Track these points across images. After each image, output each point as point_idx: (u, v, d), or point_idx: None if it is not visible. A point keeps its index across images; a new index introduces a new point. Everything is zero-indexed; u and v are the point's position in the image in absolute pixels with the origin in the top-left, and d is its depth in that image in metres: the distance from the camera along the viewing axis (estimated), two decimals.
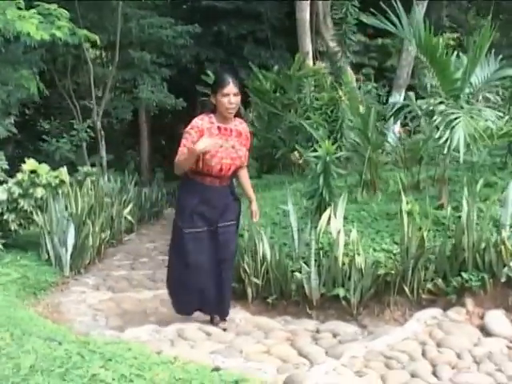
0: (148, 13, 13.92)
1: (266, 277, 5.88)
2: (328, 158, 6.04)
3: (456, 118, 5.31)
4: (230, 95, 4.63)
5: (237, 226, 5.10)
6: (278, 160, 10.70)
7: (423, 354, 4.21)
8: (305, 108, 9.51)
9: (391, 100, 11.03)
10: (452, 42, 12.11)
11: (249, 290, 5.92)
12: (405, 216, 5.12)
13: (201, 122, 4.71)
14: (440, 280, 4.99)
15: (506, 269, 4.78)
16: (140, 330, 5.09)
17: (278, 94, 10.79)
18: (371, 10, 6.04)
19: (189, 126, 4.70)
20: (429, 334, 4.49)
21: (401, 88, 11.36)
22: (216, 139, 4.67)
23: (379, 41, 17.49)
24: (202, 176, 4.77)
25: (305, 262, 5.56)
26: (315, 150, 6.80)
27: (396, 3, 5.79)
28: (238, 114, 4.86)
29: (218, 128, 4.73)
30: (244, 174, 5.12)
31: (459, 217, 5.57)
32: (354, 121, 7.66)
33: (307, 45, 13.09)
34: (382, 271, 5.20)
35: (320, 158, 6.17)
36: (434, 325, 4.63)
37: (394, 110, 6.71)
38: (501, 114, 5.93)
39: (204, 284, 4.94)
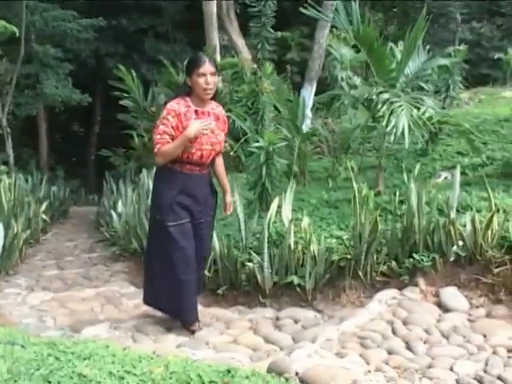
0: (50, 6, 13.50)
1: (214, 268, 5.91)
2: (271, 148, 6.15)
3: (400, 106, 5.54)
4: (207, 75, 4.37)
5: (213, 219, 4.95)
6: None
7: (393, 332, 4.41)
8: (224, 101, 9.57)
9: (303, 92, 11.29)
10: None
11: None
12: (358, 202, 5.29)
13: (177, 105, 4.41)
14: (394, 262, 5.21)
15: (454, 248, 5.06)
16: (96, 328, 5.03)
17: None
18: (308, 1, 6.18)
19: (164, 112, 4.42)
20: (392, 314, 4.70)
21: (312, 80, 11.66)
22: (207, 121, 4.44)
23: (278, 34, 17.76)
24: (180, 164, 4.48)
25: (255, 252, 5.64)
26: (246, 141, 6.93)
27: None
28: (213, 97, 4.60)
29: (195, 112, 4.46)
30: (220, 162, 4.90)
31: (401, 201, 5.87)
32: (282, 112, 7.82)
33: (214, 38, 13.19)
34: (335, 257, 5.36)
35: (262, 148, 6.26)
36: (394, 304, 4.85)
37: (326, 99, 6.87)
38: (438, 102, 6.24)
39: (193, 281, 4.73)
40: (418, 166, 6.18)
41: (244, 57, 13.19)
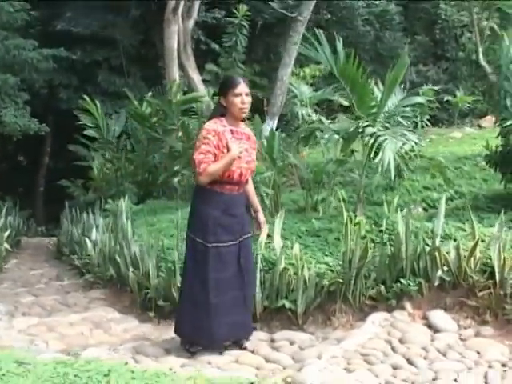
0: (10, 34, 13.55)
1: None
2: (258, 179, 6.43)
3: (385, 140, 5.93)
4: (243, 94, 4.58)
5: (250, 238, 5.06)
6: (158, 185, 10.91)
7: (393, 349, 4.72)
8: (195, 132, 9.85)
9: (265, 126, 11.65)
10: (317, 73, 13.06)
11: None
12: (349, 228, 5.61)
13: (215, 125, 4.61)
14: (382, 286, 5.53)
15: (439, 272, 5.42)
16: (96, 350, 5.13)
17: (155, 119, 11.03)
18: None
19: (204, 132, 4.61)
20: (388, 334, 5.00)
21: (274, 115, 12.07)
22: (240, 143, 4.66)
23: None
24: (220, 184, 4.63)
25: None
26: None
27: (320, 36, 6.38)
28: (242, 119, 4.81)
29: (231, 131, 4.65)
30: (250, 182, 5.04)
31: (381, 231, 6.23)
32: (258, 146, 8.12)
33: (175, 73, 13.49)
34: (325, 282, 5.65)
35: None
36: (388, 325, 5.15)
37: (306, 133, 7.23)
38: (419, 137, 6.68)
39: (230, 306, 4.79)
40: (396, 198, 6.58)
41: (199, 92, 13.48)
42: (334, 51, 6.51)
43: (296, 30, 12.32)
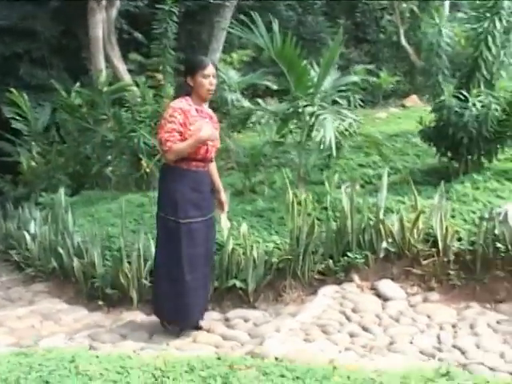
0: None
1: (150, 278, 6.14)
2: None
3: (325, 118, 6.09)
4: (211, 76, 4.70)
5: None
6: (91, 176, 10.80)
7: (348, 319, 4.91)
8: (128, 121, 9.81)
9: None
10: (245, 58, 13.15)
11: (133, 294, 6.12)
12: (295, 206, 5.76)
13: (181, 103, 4.68)
14: (330, 261, 5.71)
15: (384, 244, 5.64)
16: (51, 340, 5.12)
17: (85, 110, 10.90)
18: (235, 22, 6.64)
19: (170, 110, 4.67)
20: (340, 305, 5.19)
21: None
22: (210, 124, 4.78)
23: (155, 59, 18.07)
24: (187, 162, 4.71)
25: None
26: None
27: (257, 17, 6.49)
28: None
29: (196, 110, 4.73)
30: (213, 163, 5.13)
31: (324, 208, 6.41)
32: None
33: (101, 63, 13.30)
34: (274, 259, 5.78)
35: None
36: (339, 297, 5.33)
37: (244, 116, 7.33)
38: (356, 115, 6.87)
39: (201, 284, 4.91)
40: (336, 176, 6.76)
41: (126, 81, 13.36)
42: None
43: (223, 16, 12.40)
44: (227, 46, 14.55)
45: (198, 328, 5.10)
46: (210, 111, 5.01)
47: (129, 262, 6.18)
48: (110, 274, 6.38)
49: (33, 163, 11.57)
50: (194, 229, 4.73)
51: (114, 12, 14.51)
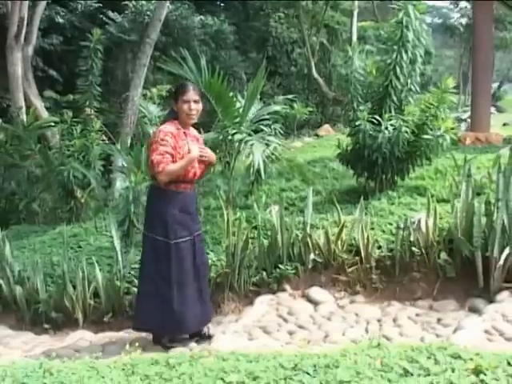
0: None
1: (94, 299, 6.64)
2: (139, 188, 7.08)
3: (252, 145, 6.81)
4: (191, 102, 4.97)
5: None
6: (18, 212, 11.11)
7: (285, 320, 5.57)
8: (55, 156, 10.23)
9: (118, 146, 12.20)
10: (164, 93, 13.76)
11: (79, 315, 6.59)
12: (230, 225, 6.41)
13: (171, 127, 4.98)
14: (264, 273, 6.37)
15: (312, 256, 6.35)
16: (9, 358, 5.49)
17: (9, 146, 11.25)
18: (164, 57, 7.29)
19: (160, 134, 4.92)
20: (276, 309, 5.84)
21: (128, 135, 12.64)
22: (197, 144, 5.07)
23: (70, 97, 18.40)
24: (175, 184, 4.99)
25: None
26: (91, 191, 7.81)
27: (186, 54, 7.17)
28: (197, 123, 5.22)
29: (184, 133, 5.04)
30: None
31: (254, 227, 7.08)
32: (127, 162, 8.76)
33: (20, 100, 13.68)
34: (213, 274, 6.40)
35: (128, 189, 7.17)
36: (274, 304, 5.99)
37: None
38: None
39: (191, 299, 5.18)
40: (264, 198, 7.47)
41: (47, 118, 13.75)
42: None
43: (144, 52, 13.02)
44: (149, 81, 15.14)
45: (209, 336, 5.34)
46: (196, 134, 5.35)
47: (73, 286, 6.65)
48: (54, 298, 6.82)
49: None
50: (182, 247, 5.04)
51: (30, 49, 14.93)
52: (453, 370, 3.16)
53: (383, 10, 19.37)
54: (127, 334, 6.24)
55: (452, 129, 7.40)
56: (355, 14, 18.34)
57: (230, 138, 7.22)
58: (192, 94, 5.02)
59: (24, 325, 7.13)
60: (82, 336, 6.17)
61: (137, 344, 4.67)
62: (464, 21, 39.59)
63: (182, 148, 4.99)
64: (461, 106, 32.07)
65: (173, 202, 5.02)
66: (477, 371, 3.14)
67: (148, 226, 5.16)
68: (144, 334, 5.66)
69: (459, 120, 17.47)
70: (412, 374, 3.16)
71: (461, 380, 3.05)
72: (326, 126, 16.79)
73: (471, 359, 3.31)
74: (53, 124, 11.92)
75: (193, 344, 5.26)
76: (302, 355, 3.73)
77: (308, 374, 3.32)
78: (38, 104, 15.31)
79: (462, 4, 39.80)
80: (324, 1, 18.93)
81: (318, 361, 3.47)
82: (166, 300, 5.04)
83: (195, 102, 5.04)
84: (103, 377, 3.91)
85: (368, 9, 25.09)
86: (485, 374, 3.09)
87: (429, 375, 3.14)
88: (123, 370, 4.02)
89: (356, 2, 18.50)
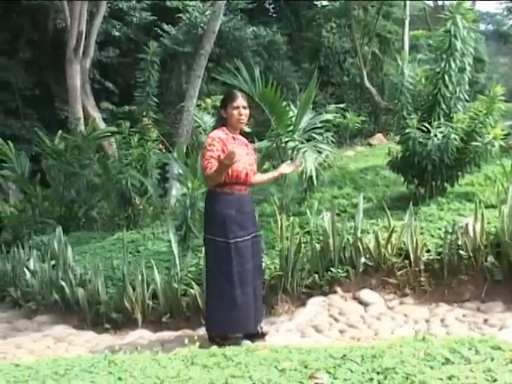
0: None
1: (153, 300, 7.05)
2: (195, 194, 7.47)
3: (305, 151, 7.13)
4: (240, 107, 5.31)
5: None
6: (77, 219, 11.65)
7: (336, 320, 5.86)
8: (114, 164, 10.74)
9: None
10: (218, 104, 14.19)
11: (138, 315, 7.01)
12: (284, 229, 6.73)
13: (218, 133, 5.30)
14: (316, 276, 6.67)
15: (362, 259, 6.62)
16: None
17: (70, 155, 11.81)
18: (218, 68, 7.68)
19: (209, 140, 5.27)
20: (328, 310, 6.13)
21: (183, 145, 13.08)
22: (237, 149, 5.18)
23: (126, 108, 19.08)
24: (230, 186, 5.28)
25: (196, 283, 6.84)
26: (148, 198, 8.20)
27: (240, 64, 7.54)
28: (251, 132, 5.71)
29: (233, 138, 5.36)
30: (256, 175, 5.70)
31: (307, 232, 7.37)
32: (184, 170, 9.17)
33: (79, 111, 14.31)
34: (267, 277, 6.72)
35: (186, 195, 7.56)
36: (326, 305, 6.28)
37: None
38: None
39: (251, 298, 5.38)
40: (316, 204, 7.78)
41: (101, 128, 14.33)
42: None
43: (199, 63, 13.50)
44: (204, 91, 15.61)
45: (263, 334, 5.58)
46: (244, 140, 5.62)
47: (132, 288, 7.07)
48: (114, 299, 7.26)
49: (11, 209, 12.37)
50: (241, 247, 5.28)
51: (88, 62, 15.58)
52: (492, 360, 3.41)
53: (435, 19, 19.44)
54: (184, 333, 6.63)
55: (505, 136, 7.56)
56: (407, 22, 18.49)
57: (283, 145, 7.56)
58: (241, 101, 5.37)
59: (86, 325, 7.60)
60: (142, 335, 6.56)
61: (195, 338, 5.03)
62: None
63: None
64: None
65: (229, 204, 5.29)
66: None
67: (208, 228, 5.41)
68: (201, 333, 6.02)
69: None
70: (453, 363, 3.42)
71: (499, 368, 3.29)
72: (379, 135, 16.97)
73: (511, 350, 3.55)
74: (109, 134, 12.45)
75: (247, 341, 5.57)
76: (350, 347, 4.03)
77: (356, 362, 3.60)
78: (96, 115, 15.95)
79: None
80: (376, 10, 19.17)
81: (366, 351, 3.76)
82: (230, 298, 5.26)
83: (244, 107, 5.38)
84: (164, 367, 4.24)
85: (420, 17, 25.17)
86: None
87: (469, 363, 3.39)
88: (183, 361, 4.37)
89: (408, 11, 18.66)
